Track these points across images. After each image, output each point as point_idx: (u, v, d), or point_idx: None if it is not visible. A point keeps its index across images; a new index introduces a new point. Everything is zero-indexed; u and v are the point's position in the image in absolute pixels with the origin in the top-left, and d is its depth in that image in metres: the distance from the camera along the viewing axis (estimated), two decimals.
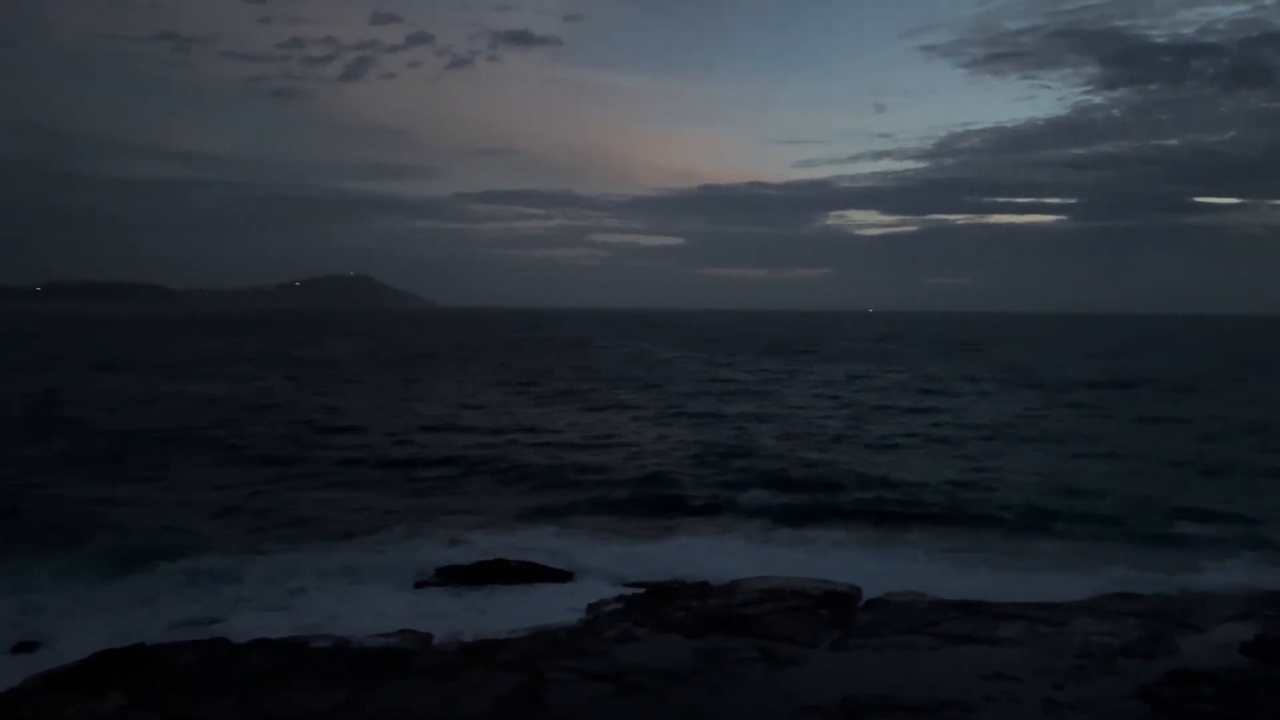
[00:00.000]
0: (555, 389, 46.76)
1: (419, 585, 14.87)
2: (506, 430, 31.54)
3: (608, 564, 16.10)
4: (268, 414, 35.04)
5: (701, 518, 19.52)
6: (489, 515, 19.63)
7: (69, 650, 11.37)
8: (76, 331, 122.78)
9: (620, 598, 12.25)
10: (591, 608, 11.72)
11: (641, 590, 12.80)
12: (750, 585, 11.42)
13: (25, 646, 11.86)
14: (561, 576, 15.22)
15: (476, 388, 47.25)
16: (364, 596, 14.07)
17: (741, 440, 29.02)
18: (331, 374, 55.95)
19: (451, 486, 22.62)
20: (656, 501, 20.70)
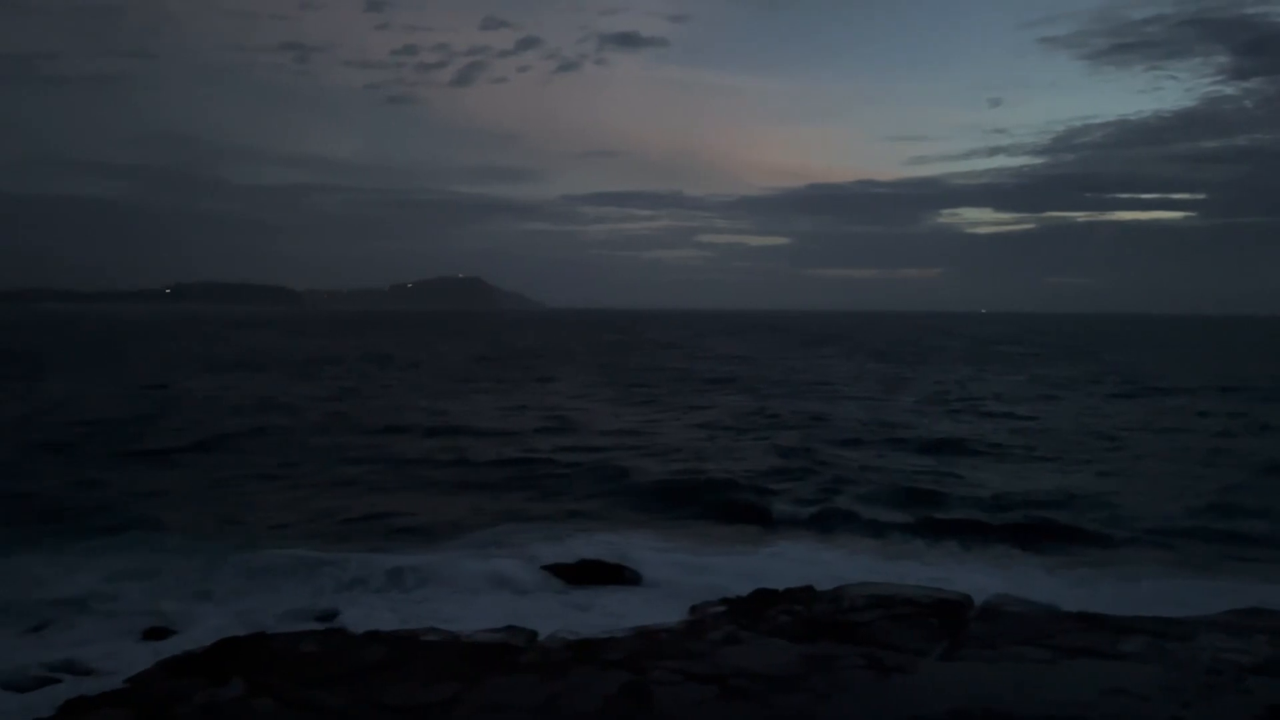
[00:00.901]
0: (654, 391, 46.94)
1: (522, 582, 15.14)
2: (603, 431, 31.82)
3: (708, 567, 16.08)
4: (371, 414, 35.96)
5: (802, 524, 19.30)
6: (583, 517, 19.83)
7: (193, 636, 11.94)
8: (202, 332, 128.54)
9: (723, 600, 12.18)
10: (694, 609, 11.69)
11: (744, 593, 12.68)
12: (857, 591, 11.22)
13: (155, 633, 12.49)
14: (660, 579, 15.28)
15: (575, 389, 47.74)
16: (469, 592, 14.41)
17: (842, 445, 28.61)
18: (435, 374, 57.30)
19: (545, 487, 22.93)
20: (754, 507, 20.52)
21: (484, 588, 14.79)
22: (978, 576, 14.79)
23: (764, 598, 11.55)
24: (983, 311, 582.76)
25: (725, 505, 20.60)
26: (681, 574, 15.51)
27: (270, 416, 34.94)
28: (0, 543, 17.02)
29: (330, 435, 30.72)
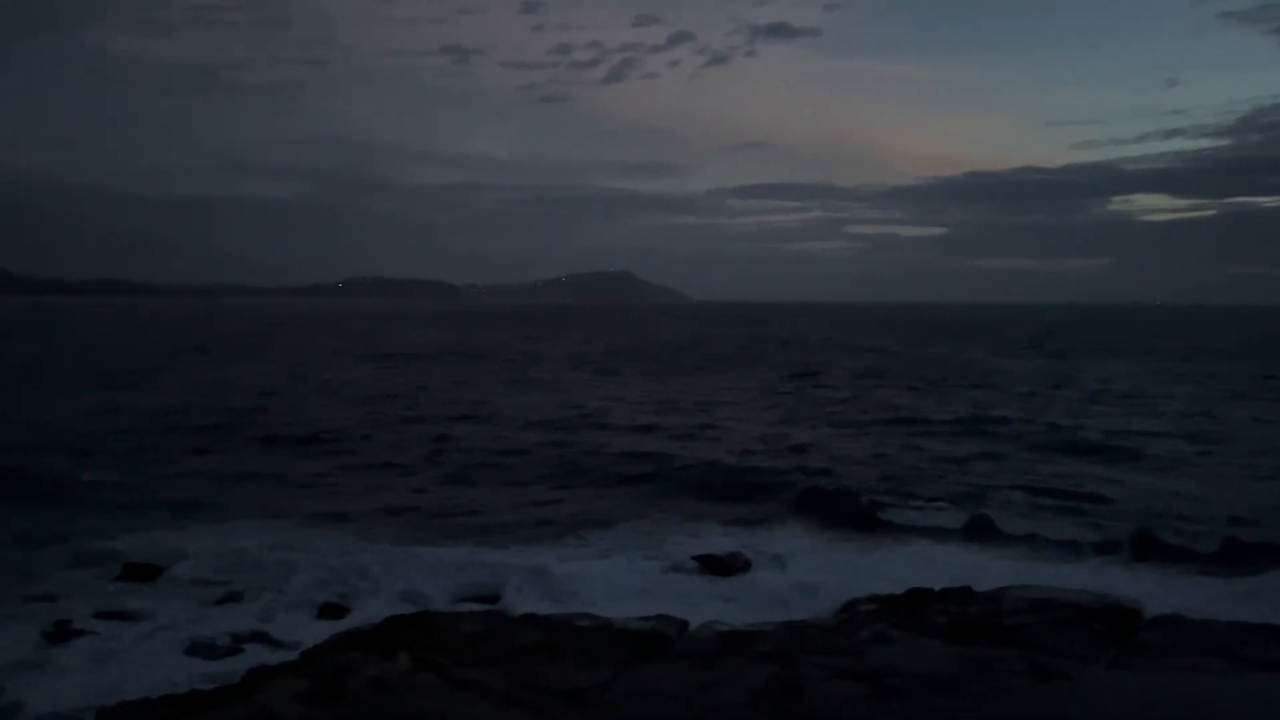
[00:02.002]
0: (796, 385, 46.58)
1: (670, 572, 15.34)
2: (744, 427, 31.78)
3: (856, 565, 15.87)
4: (514, 409, 36.55)
5: (951, 527, 18.68)
6: (725, 513, 19.89)
7: (363, 614, 12.65)
8: (367, 326, 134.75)
9: (874, 598, 12.03)
10: (847, 606, 11.58)
11: (897, 592, 12.46)
12: (1018, 594, 10.84)
13: (330, 609, 13.28)
14: (808, 574, 15.17)
15: (715, 384, 47.65)
16: (620, 581, 14.67)
17: (994, 445, 27.54)
18: (581, 368, 58.29)
19: (685, 482, 23.12)
20: (899, 508, 19.95)
21: (634, 577, 15.04)
22: (1148, 585, 14.02)
23: (918, 597, 11.32)
24: (1156, 303, 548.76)
25: (869, 505, 20.12)
26: (829, 571, 15.36)
27: (418, 408, 36.55)
28: (173, 520, 18.54)
29: (475, 426, 31.87)
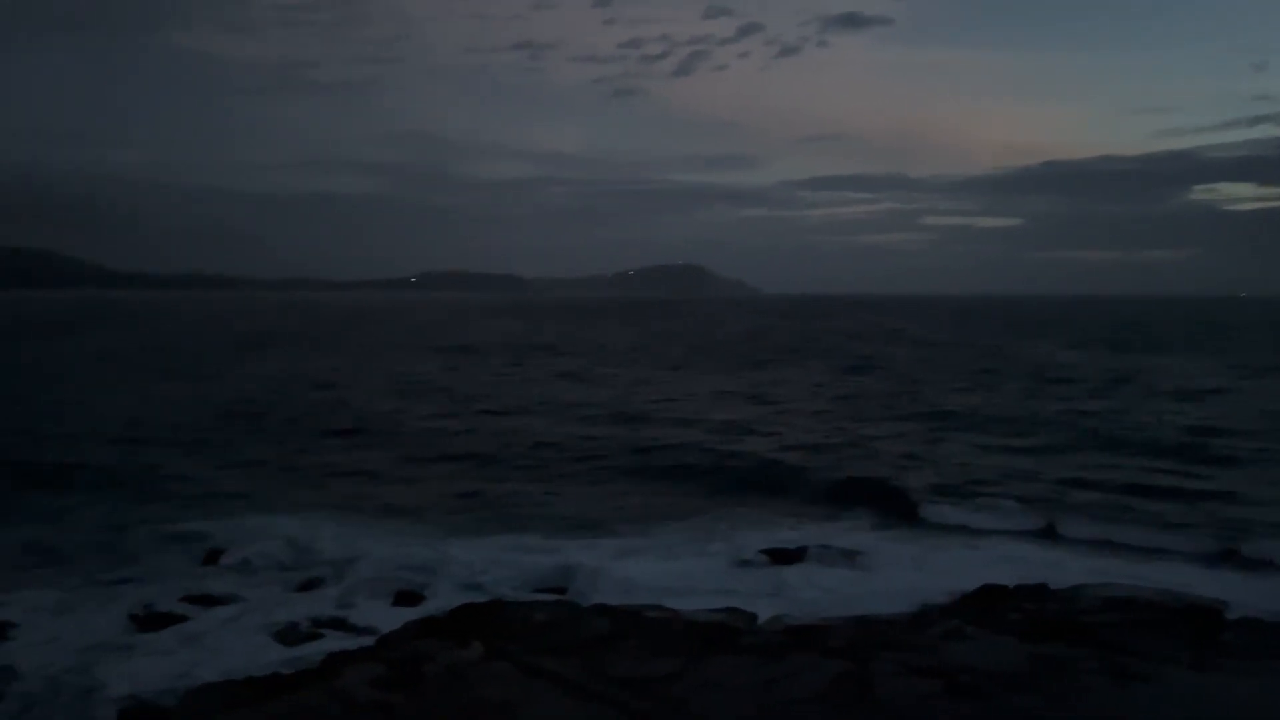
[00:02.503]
0: (859, 381, 46.04)
1: (738, 565, 15.37)
2: (806, 420, 31.62)
3: (927, 560, 15.71)
4: (579, 406, 36.62)
5: (1024, 527, 18.35)
6: (793, 509, 19.89)
7: (437, 602, 12.91)
8: (439, 318, 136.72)
9: (946, 594, 11.90)
10: (918, 602, 11.48)
11: (970, 589, 12.32)
12: (1094, 592, 10.63)
13: (405, 597, 13.57)
14: (880, 570, 15.08)
15: (781, 377, 47.38)
16: (687, 573, 14.73)
17: (1066, 442, 26.91)
18: (643, 362, 58.36)
19: (748, 477, 23.12)
20: (968, 507, 19.66)
21: (702, 569, 15.09)
22: (1230, 585, 13.61)
23: (992, 594, 11.18)
24: (1241, 295, 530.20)
25: (936, 502, 19.85)
26: (898, 567, 15.26)
27: (483, 400, 37.18)
28: (252, 508, 19.15)
29: (539, 419, 32.34)
